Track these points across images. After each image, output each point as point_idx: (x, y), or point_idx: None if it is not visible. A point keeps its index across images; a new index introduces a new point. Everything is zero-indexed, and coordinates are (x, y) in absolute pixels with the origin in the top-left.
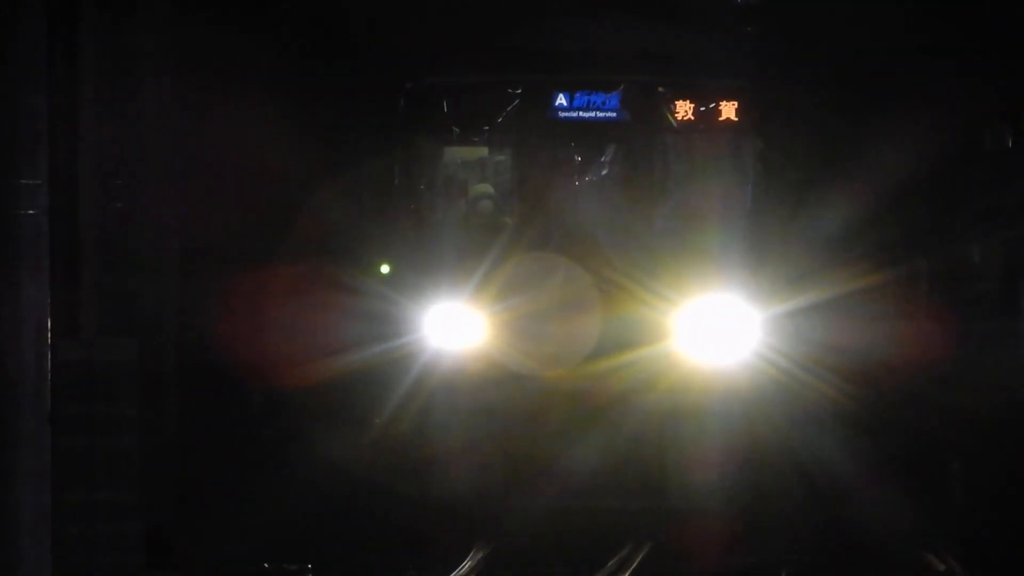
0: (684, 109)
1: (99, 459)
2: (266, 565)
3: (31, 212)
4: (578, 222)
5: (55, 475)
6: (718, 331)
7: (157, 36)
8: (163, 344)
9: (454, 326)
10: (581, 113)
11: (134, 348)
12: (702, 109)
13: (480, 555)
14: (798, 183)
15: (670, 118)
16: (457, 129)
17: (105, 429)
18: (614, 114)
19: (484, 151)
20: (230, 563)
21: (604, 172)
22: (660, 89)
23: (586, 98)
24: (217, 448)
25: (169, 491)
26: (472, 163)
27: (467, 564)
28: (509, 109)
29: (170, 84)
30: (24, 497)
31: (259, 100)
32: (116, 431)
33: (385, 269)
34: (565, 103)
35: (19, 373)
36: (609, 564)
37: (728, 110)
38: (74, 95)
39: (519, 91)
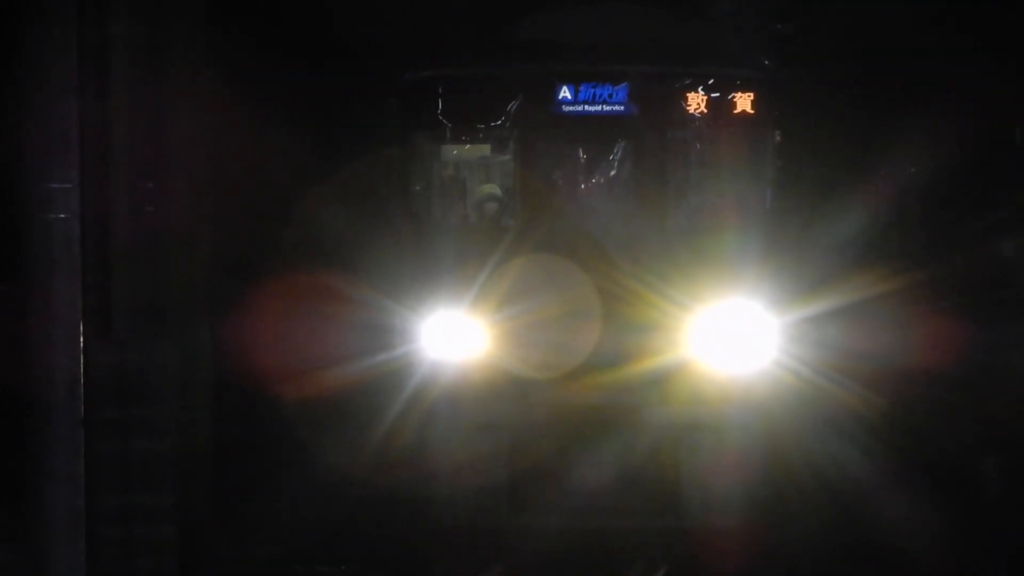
0: (697, 102)
1: (133, 462)
2: (298, 568)
3: (63, 216)
4: (585, 224)
5: (89, 478)
6: (735, 338)
7: (188, 40)
8: (196, 347)
9: (454, 335)
10: (587, 107)
11: (167, 351)
12: (717, 102)
13: None
14: (820, 181)
15: (683, 111)
16: (456, 125)
17: (139, 432)
18: (622, 108)
19: (484, 149)
20: (259, 565)
21: (613, 170)
22: (672, 81)
23: (593, 91)
24: (224, 455)
25: (203, 494)
26: (472, 162)
27: None
28: (511, 103)
29: (200, 88)
30: (58, 500)
31: (260, 104)
32: (150, 434)
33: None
34: (570, 96)
35: (52, 376)
36: None
37: (744, 102)
38: (105, 99)
39: (522, 84)
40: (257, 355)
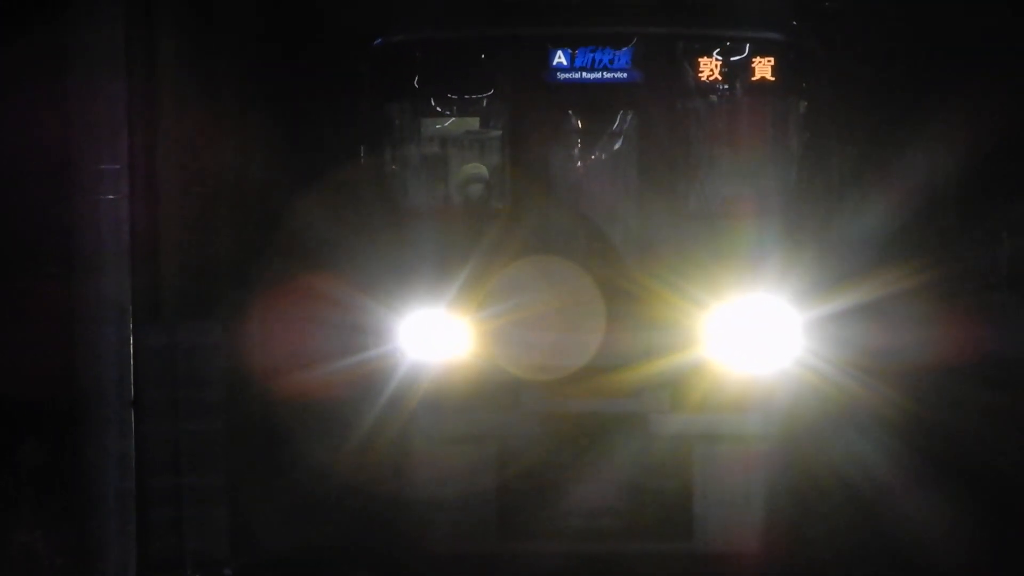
0: (712, 68)
1: (183, 443)
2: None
3: (112, 197)
4: (584, 208)
5: (139, 460)
6: (755, 337)
7: (232, 20)
8: (244, 328)
9: (437, 334)
10: (585, 74)
11: (217, 332)
12: (735, 68)
13: None
14: (851, 162)
15: (695, 79)
16: (435, 96)
17: (189, 413)
18: (626, 75)
19: (468, 123)
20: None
21: (614, 147)
22: (682, 43)
23: (592, 56)
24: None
25: (253, 476)
26: (454, 138)
27: None
28: (498, 71)
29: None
30: (109, 481)
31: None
32: (200, 415)
33: None
34: (566, 62)
35: (102, 358)
36: None
37: (765, 68)
38: (152, 80)
39: (510, 48)
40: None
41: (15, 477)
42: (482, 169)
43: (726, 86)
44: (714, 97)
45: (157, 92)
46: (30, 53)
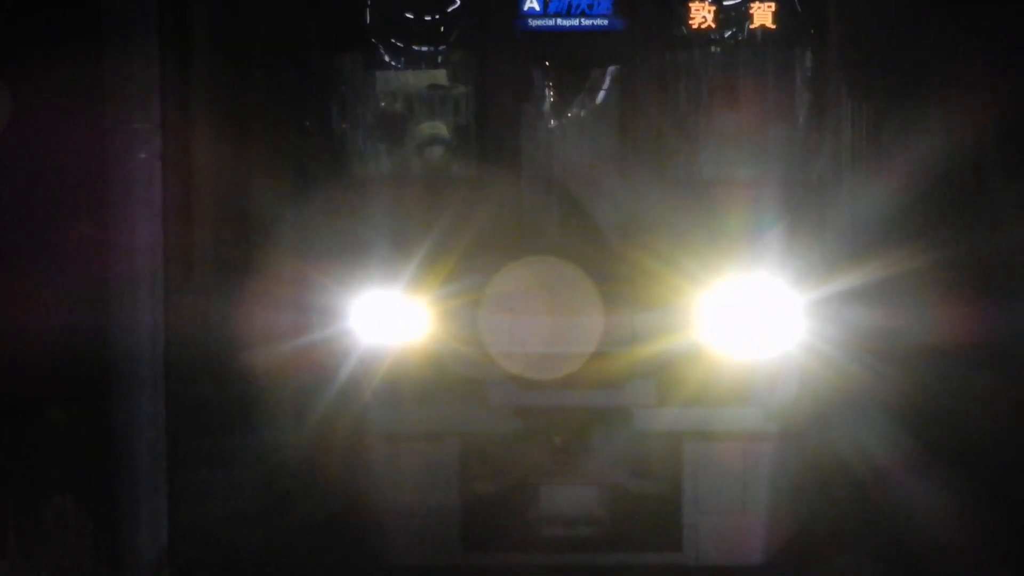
0: (704, 14)
1: (214, 406)
2: None
3: (143, 156)
4: (560, 175)
5: (170, 422)
6: (751, 320)
7: None
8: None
9: (393, 317)
10: (560, 21)
11: (248, 295)
12: (730, 14)
13: None
14: (862, 121)
15: (685, 27)
16: (389, 45)
17: (220, 377)
18: (607, 22)
19: (427, 76)
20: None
21: (594, 105)
22: None
23: (568, 0)
24: None
25: (282, 439)
26: (411, 94)
27: None
28: (460, 16)
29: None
30: (141, 445)
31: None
32: (231, 380)
33: None
34: (538, 7)
35: (135, 320)
36: None
37: (764, 15)
38: (187, 38)
39: None
40: None
41: (47, 439)
42: (441, 129)
43: (722, 35)
44: (709, 48)
45: (190, 50)
46: (63, 10)
